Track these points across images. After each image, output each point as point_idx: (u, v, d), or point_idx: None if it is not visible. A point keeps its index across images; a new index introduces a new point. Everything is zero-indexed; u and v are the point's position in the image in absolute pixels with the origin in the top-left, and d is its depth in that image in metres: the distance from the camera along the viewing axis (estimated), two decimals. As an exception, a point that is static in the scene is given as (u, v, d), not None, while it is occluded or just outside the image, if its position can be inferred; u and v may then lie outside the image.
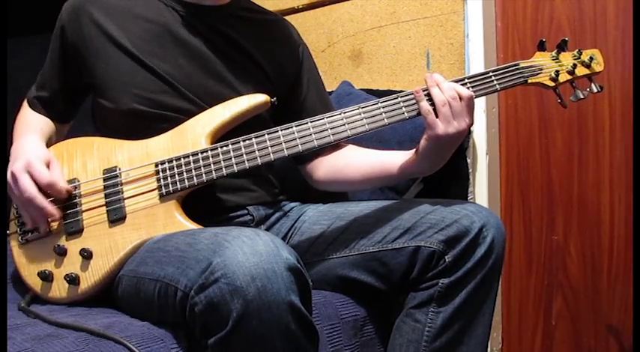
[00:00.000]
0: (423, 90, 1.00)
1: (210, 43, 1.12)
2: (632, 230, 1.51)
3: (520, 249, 1.69)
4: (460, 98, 0.97)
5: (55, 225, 1.01)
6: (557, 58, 1.06)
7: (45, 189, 0.98)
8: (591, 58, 1.06)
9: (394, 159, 1.08)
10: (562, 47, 1.07)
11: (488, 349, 1.56)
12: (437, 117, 0.97)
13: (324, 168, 1.18)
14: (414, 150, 1.04)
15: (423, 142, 1.01)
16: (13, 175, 0.99)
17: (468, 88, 1.00)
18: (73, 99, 1.20)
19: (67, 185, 1.01)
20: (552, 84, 1.05)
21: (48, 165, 1.01)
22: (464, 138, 1.00)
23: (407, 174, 1.08)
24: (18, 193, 0.98)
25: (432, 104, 0.98)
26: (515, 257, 1.70)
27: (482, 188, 1.65)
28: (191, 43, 1.11)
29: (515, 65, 1.04)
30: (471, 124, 0.99)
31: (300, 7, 2.00)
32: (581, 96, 1.05)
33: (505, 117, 1.70)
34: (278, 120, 1.06)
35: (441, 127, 0.97)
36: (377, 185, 1.17)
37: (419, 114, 1.00)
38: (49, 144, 1.11)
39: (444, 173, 1.57)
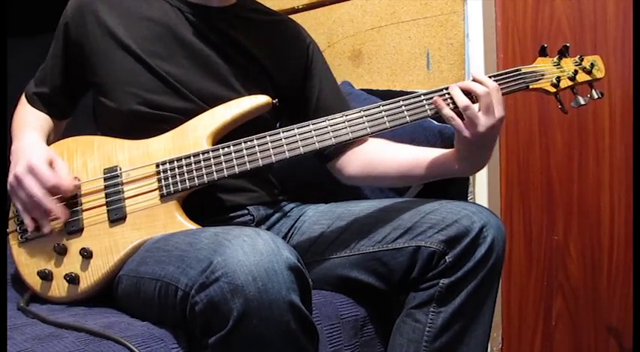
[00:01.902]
0: (441, 95, 0.99)
1: (214, 45, 1.12)
2: (632, 230, 1.51)
3: (520, 249, 1.69)
4: (482, 95, 0.95)
5: (55, 223, 1.01)
6: (559, 64, 1.06)
7: (51, 191, 0.98)
8: (592, 65, 1.06)
9: (436, 158, 1.06)
10: (563, 53, 1.07)
11: (489, 349, 1.56)
12: (462, 120, 0.96)
13: (357, 163, 1.16)
14: (455, 149, 1.03)
15: (456, 145, 1.00)
16: (17, 178, 0.98)
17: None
18: (73, 96, 1.19)
19: (74, 181, 1.00)
20: (553, 90, 1.05)
21: (51, 164, 1.00)
22: (500, 130, 0.98)
23: (450, 174, 1.06)
24: (24, 197, 0.98)
25: (455, 107, 0.97)
26: (515, 257, 1.70)
27: (482, 188, 1.65)
28: (195, 44, 1.11)
29: (516, 70, 1.04)
30: (503, 116, 0.96)
31: (300, 7, 2.00)
32: (582, 103, 1.05)
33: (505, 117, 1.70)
34: (295, 120, 1.05)
35: (468, 131, 0.96)
36: (414, 182, 1.16)
37: (421, 117, 1.00)
38: (47, 142, 1.10)
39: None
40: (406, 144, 1.48)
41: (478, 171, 1.05)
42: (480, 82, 0.97)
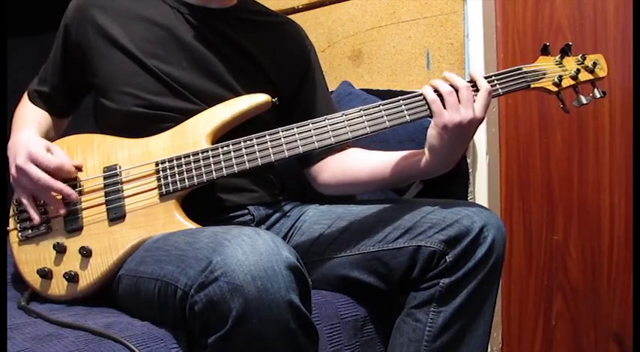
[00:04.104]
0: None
1: (213, 47, 1.12)
2: (632, 230, 1.51)
3: (520, 249, 1.69)
4: (469, 88, 0.97)
5: (55, 222, 1.01)
6: (561, 63, 1.05)
7: (54, 173, 0.99)
8: (595, 64, 1.05)
9: (406, 157, 1.07)
10: (566, 52, 1.06)
11: (489, 349, 1.56)
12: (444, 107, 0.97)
13: (330, 169, 1.17)
14: (425, 146, 1.03)
15: (430, 132, 1.00)
16: (18, 169, 0.99)
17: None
18: (73, 95, 1.20)
19: (75, 162, 1.02)
20: (555, 89, 1.04)
21: (49, 151, 1.01)
22: (473, 133, 0.99)
23: (418, 173, 1.06)
24: (30, 184, 0.99)
25: (440, 95, 0.98)
26: (516, 257, 1.70)
27: (482, 188, 1.65)
28: (194, 46, 1.10)
29: (518, 69, 1.03)
30: (479, 118, 0.97)
31: (300, 7, 2.00)
32: (584, 102, 1.04)
33: (505, 117, 1.71)
34: (284, 122, 1.05)
35: (447, 115, 0.96)
36: (385, 185, 1.15)
37: (421, 117, 1.00)
38: (47, 139, 1.10)
39: (443, 173, 1.58)
40: (406, 143, 1.48)
41: (446, 169, 1.04)
42: (473, 79, 0.99)
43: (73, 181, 1.02)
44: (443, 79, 1.00)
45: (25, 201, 1.01)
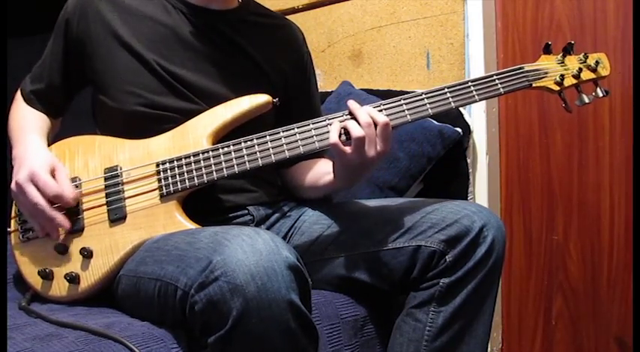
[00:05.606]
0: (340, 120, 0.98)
1: (215, 47, 1.12)
2: (632, 230, 1.51)
3: (520, 249, 1.70)
4: (375, 125, 0.95)
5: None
6: (563, 62, 1.05)
7: (52, 200, 0.97)
8: (597, 62, 1.04)
9: (324, 172, 1.12)
10: (568, 50, 1.05)
11: (489, 349, 1.56)
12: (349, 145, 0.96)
13: (304, 173, 1.19)
14: (332, 170, 1.07)
15: (334, 165, 1.05)
16: (18, 186, 0.98)
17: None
18: (69, 93, 1.18)
19: (75, 192, 0.99)
20: (557, 88, 1.04)
21: (53, 172, 1.00)
22: (378, 162, 0.99)
23: (328, 189, 1.14)
24: (26, 204, 0.98)
25: (347, 133, 0.96)
26: (516, 257, 1.70)
27: (482, 188, 1.65)
28: (197, 46, 1.10)
29: (519, 69, 1.03)
30: (384, 151, 0.97)
31: (300, 7, 2.01)
32: (587, 101, 1.03)
33: (505, 117, 1.71)
34: (282, 124, 1.05)
35: (350, 157, 0.96)
36: (316, 194, 1.18)
37: (421, 117, 0.99)
38: (47, 142, 1.10)
39: (444, 173, 1.58)
40: (406, 143, 1.49)
41: (349, 187, 1.12)
42: (372, 117, 0.96)
43: (74, 182, 1.02)
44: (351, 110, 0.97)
45: (26, 213, 1.00)
